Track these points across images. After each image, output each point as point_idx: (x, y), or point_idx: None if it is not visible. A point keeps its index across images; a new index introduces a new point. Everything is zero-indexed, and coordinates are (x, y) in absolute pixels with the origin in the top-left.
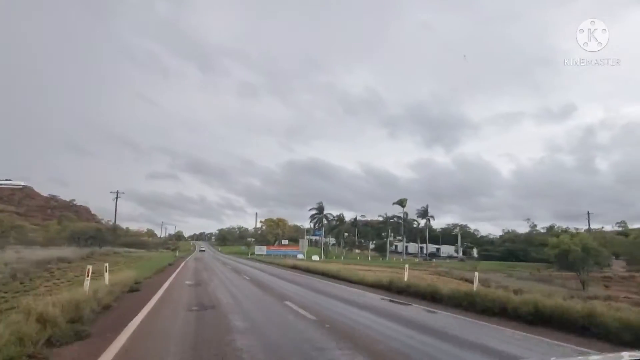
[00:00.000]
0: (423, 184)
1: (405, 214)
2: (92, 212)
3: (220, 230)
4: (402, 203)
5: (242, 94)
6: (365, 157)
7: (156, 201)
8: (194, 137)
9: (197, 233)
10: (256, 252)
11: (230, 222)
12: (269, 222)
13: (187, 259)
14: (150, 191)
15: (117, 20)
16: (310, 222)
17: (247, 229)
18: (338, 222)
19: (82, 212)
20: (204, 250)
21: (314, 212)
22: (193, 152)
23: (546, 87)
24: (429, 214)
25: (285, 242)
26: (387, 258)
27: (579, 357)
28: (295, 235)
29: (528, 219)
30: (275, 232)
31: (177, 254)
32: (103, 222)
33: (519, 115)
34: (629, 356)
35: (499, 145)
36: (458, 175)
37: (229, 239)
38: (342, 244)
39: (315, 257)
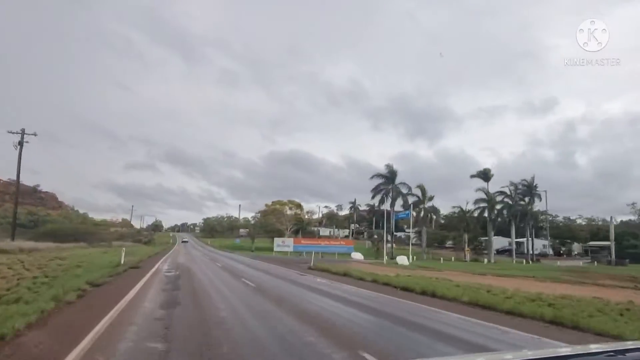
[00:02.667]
0: (406, 176)
1: (514, 188)
2: (60, 200)
3: (206, 220)
4: (486, 175)
5: (224, 85)
6: (348, 149)
7: (135, 192)
8: (175, 127)
9: (179, 224)
10: (276, 249)
11: (212, 214)
12: (276, 205)
13: (152, 270)
14: (129, 182)
15: (95, 5)
16: (373, 197)
17: (237, 218)
18: (419, 200)
19: (48, 200)
20: (186, 241)
21: (380, 181)
22: (173, 142)
23: (529, 81)
24: (536, 188)
25: (324, 232)
26: (492, 259)
27: (549, 350)
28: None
29: (633, 204)
30: (296, 218)
31: (122, 261)
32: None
33: (502, 109)
34: (596, 348)
35: (482, 138)
36: (440, 169)
37: (217, 230)
38: (424, 238)
39: (403, 260)
